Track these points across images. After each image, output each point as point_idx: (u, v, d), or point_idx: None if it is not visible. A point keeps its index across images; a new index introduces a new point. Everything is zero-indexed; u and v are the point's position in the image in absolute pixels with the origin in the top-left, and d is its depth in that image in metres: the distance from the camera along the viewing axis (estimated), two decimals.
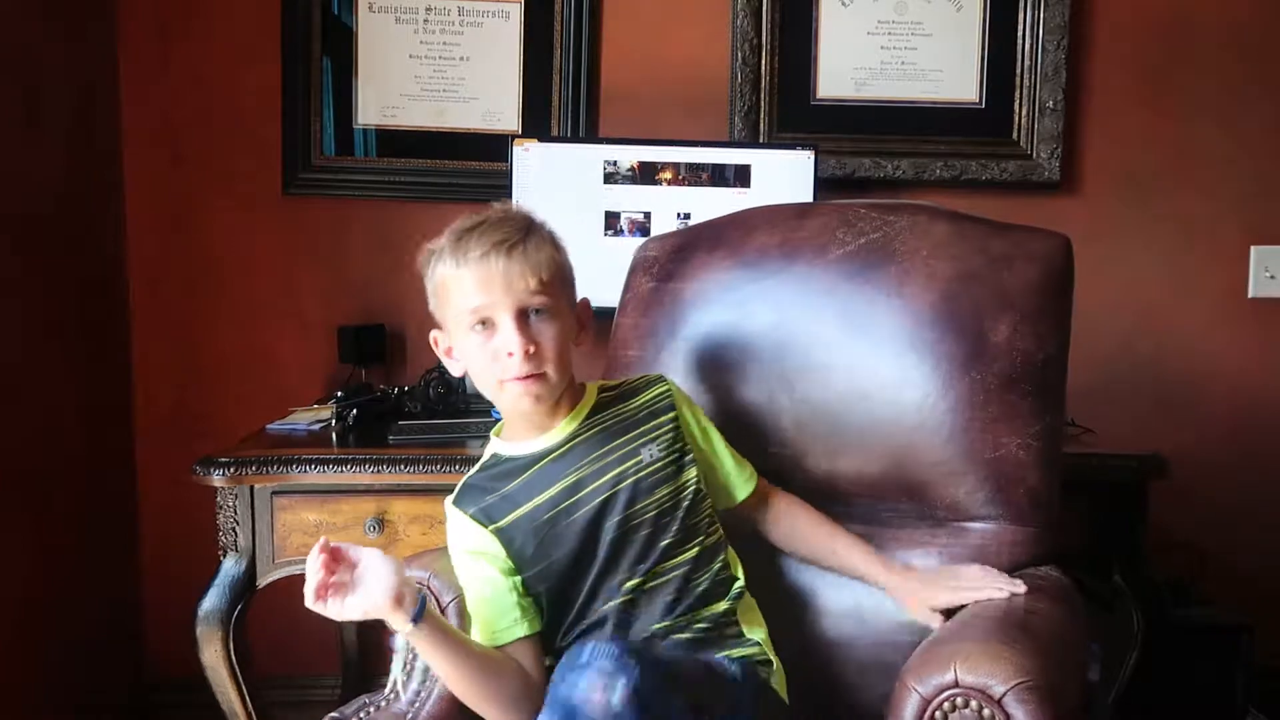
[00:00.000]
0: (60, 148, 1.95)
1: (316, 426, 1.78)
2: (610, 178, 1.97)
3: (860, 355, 1.33)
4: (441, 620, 1.10)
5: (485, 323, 1.12)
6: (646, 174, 1.97)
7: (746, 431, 1.38)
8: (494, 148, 2.12)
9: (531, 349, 1.11)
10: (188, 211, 2.14)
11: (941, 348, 1.29)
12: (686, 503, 1.20)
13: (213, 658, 1.60)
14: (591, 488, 1.17)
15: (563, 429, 1.19)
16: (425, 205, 2.16)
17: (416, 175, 2.15)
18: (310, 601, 1.01)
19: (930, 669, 1.01)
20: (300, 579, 1.66)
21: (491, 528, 1.17)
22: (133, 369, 2.16)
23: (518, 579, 1.17)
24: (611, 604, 1.16)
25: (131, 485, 2.18)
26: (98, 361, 2.08)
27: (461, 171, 2.16)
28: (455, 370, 1.20)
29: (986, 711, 0.97)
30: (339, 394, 1.86)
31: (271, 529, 1.62)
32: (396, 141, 2.16)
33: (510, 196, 1.95)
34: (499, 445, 1.23)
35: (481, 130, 2.16)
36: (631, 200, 1.97)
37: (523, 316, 1.11)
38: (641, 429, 1.22)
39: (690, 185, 1.97)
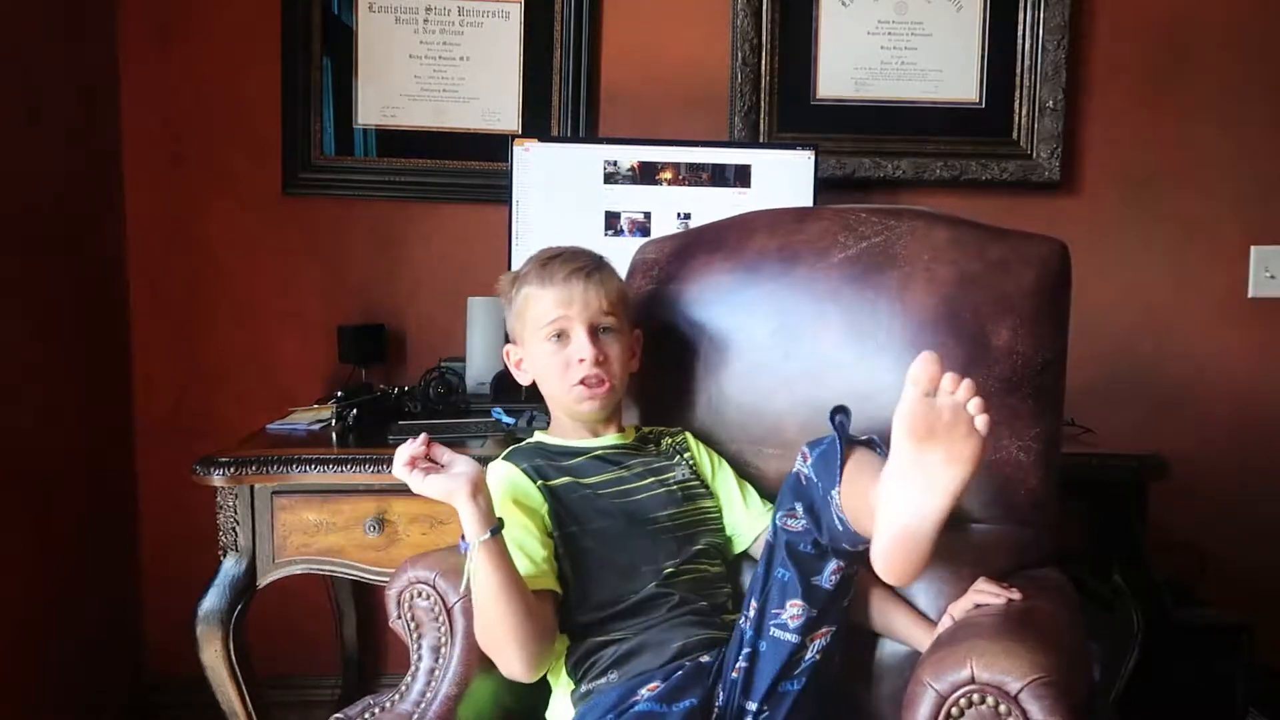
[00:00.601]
0: (60, 148, 1.95)
1: (316, 426, 1.78)
2: (610, 178, 1.97)
3: (864, 358, 1.34)
4: (505, 545, 1.16)
5: (561, 334, 1.29)
6: (646, 174, 1.97)
7: (748, 434, 1.39)
8: (494, 148, 2.12)
9: (600, 358, 1.28)
10: (188, 211, 2.14)
11: (943, 351, 1.28)
12: (714, 524, 1.34)
13: (213, 658, 1.60)
14: (635, 485, 1.30)
15: (609, 439, 1.35)
16: (425, 205, 2.17)
17: (416, 175, 2.16)
18: (399, 466, 1.14)
19: (946, 666, 1.02)
20: (302, 579, 1.68)
21: (540, 483, 1.26)
22: (133, 369, 2.16)
23: (552, 541, 1.24)
24: (652, 583, 1.24)
25: (131, 485, 2.18)
26: (98, 361, 2.08)
27: (461, 171, 2.16)
28: (522, 380, 1.36)
29: (1003, 707, 0.98)
30: (339, 394, 1.86)
31: (271, 529, 1.61)
32: (396, 141, 2.16)
33: (510, 196, 1.95)
34: (545, 437, 1.36)
35: (481, 130, 2.16)
36: (631, 200, 1.97)
37: (594, 331, 1.29)
38: (671, 458, 1.36)
39: (690, 185, 1.97)
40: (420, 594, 1.28)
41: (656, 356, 1.43)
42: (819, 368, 1.37)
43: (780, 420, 1.38)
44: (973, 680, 0.99)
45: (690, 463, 1.37)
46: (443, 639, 1.27)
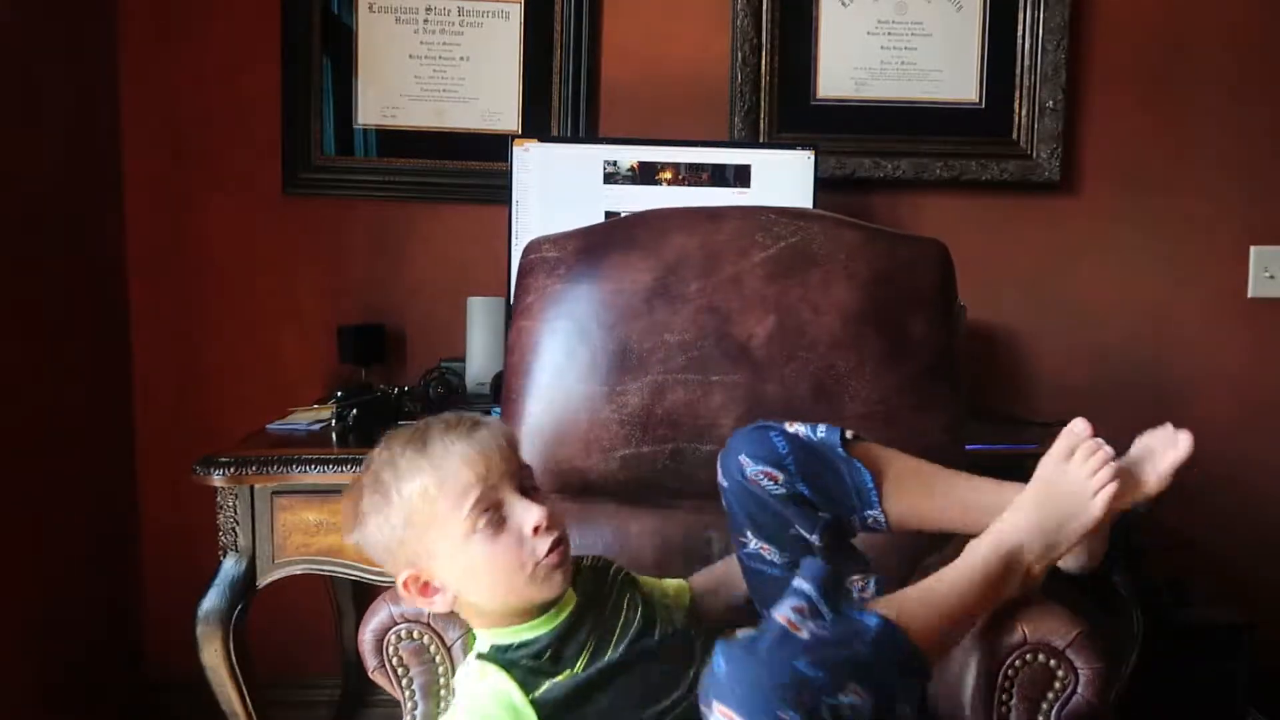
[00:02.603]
0: (60, 148, 1.95)
1: (316, 426, 1.78)
2: (610, 178, 1.97)
3: (796, 353, 1.40)
4: None
5: (490, 512, 1.01)
6: (646, 174, 1.97)
7: (681, 431, 1.40)
8: (494, 148, 2.12)
9: (552, 514, 1.02)
10: (188, 211, 2.14)
11: (867, 344, 1.41)
12: (675, 628, 1.15)
13: (213, 658, 1.60)
14: (614, 640, 1.08)
15: (567, 603, 1.08)
16: (425, 205, 2.17)
17: (416, 175, 2.15)
18: None
19: (997, 632, 1.12)
20: (302, 579, 1.68)
21: (532, 697, 1.01)
22: (133, 369, 2.16)
23: None
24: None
25: (131, 485, 2.18)
26: (98, 361, 2.08)
27: (461, 171, 2.16)
28: (439, 606, 1.05)
29: (1052, 662, 1.11)
30: (339, 394, 1.86)
31: (271, 529, 1.61)
32: (397, 142, 2.16)
33: (510, 196, 1.95)
34: (499, 637, 1.05)
35: (481, 130, 2.16)
36: (631, 200, 1.97)
37: (526, 491, 1.03)
38: (617, 590, 1.14)
39: (690, 185, 1.97)
40: (410, 634, 1.16)
41: (572, 357, 1.42)
42: (752, 364, 1.40)
43: (716, 417, 1.40)
44: (1025, 641, 1.11)
45: (627, 578, 1.16)
46: (444, 679, 1.17)
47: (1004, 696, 1.12)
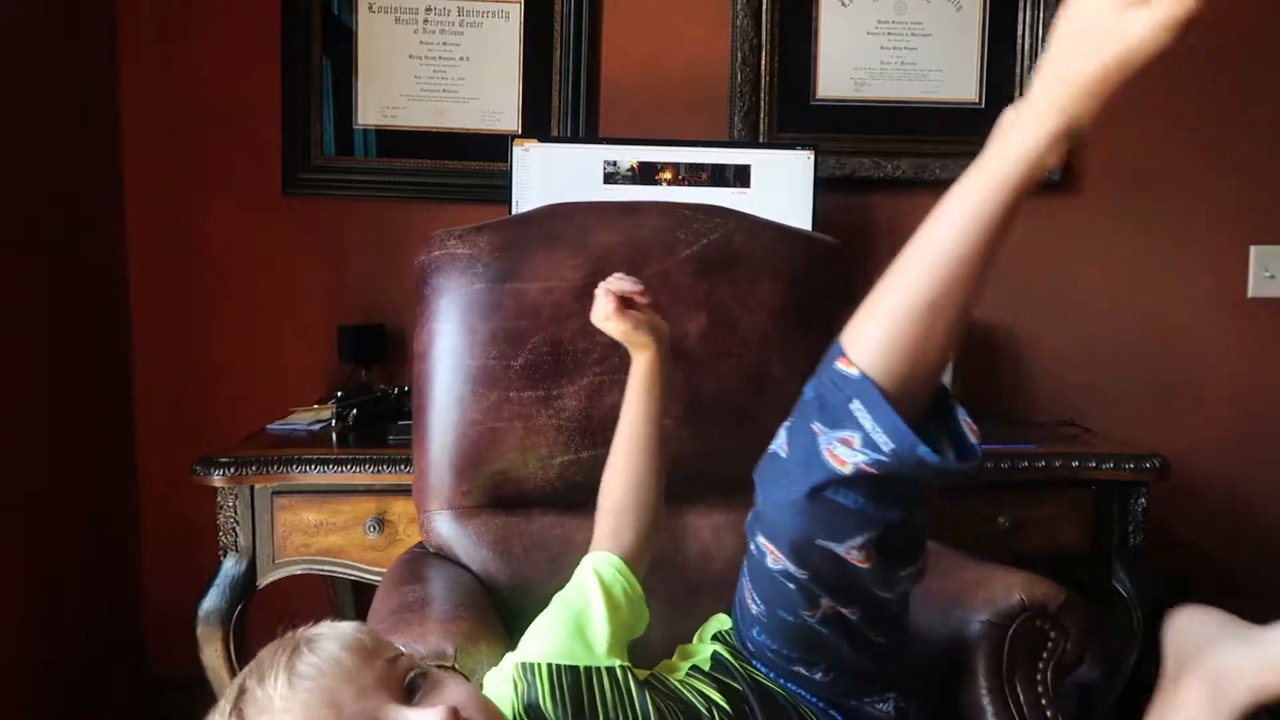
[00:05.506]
0: (60, 148, 1.95)
1: (316, 426, 1.79)
2: (610, 178, 1.97)
3: (729, 350, 1.40)
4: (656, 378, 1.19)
5: None
6: (646, 174, 1.97)
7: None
8: (494, 148, 2.13)
9: (461, 709, 0.78)
10: (188, 211, 2.14)
11: (794, 341, 1.41)
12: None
13: (213, 658, 1.60)
14: None
15: None
16: (425, 205, 2.17)
17: (416, 175, 2.16)
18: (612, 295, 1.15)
19: (998, 602, 1.21)
20: (302, 579, 1.68)
21: None
22: (133, 369, 2.16)
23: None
24: None
25: (131, 485, 2.18)
26: (98, 361, 2.08)
27: (461, 172, 2.16)
28: None
29: (1045, 624, 1.21)
30: (339, 394, 1.86)
31: (271, 529, 1.62)
32: (396, 142, 2.16)
33: (510, 197, 1.95)
34: None
35: (481, 130, 2.16)
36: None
37: (411, 691, 0.81)
38: None
39: (690, 185, 1.97)
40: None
41: (505, 360, 1.36)
42: (688, 361, 1.39)
43: None
44: (1024, 608, 1.20)
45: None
46: None
47: (1009, 659, 1.21)
